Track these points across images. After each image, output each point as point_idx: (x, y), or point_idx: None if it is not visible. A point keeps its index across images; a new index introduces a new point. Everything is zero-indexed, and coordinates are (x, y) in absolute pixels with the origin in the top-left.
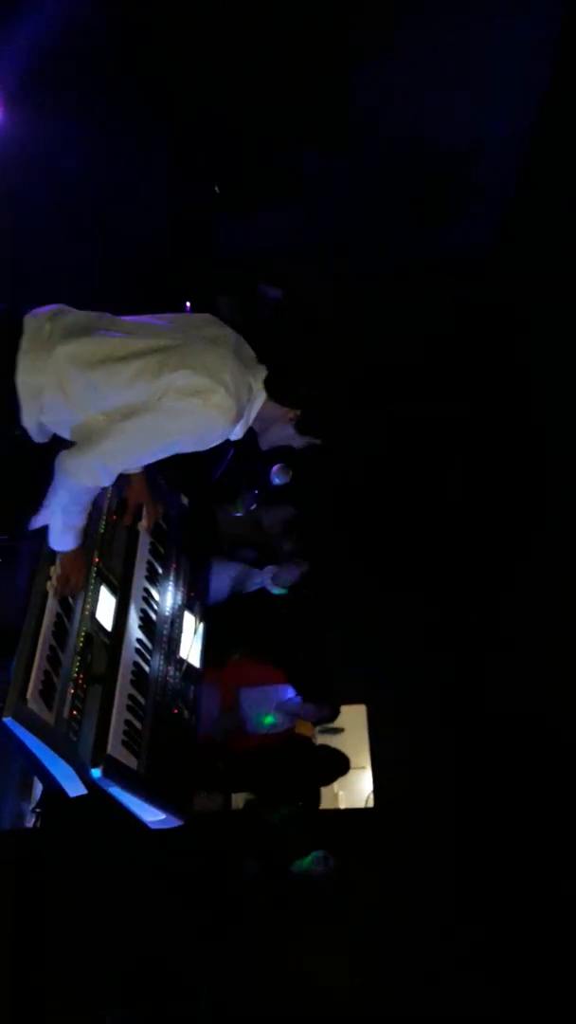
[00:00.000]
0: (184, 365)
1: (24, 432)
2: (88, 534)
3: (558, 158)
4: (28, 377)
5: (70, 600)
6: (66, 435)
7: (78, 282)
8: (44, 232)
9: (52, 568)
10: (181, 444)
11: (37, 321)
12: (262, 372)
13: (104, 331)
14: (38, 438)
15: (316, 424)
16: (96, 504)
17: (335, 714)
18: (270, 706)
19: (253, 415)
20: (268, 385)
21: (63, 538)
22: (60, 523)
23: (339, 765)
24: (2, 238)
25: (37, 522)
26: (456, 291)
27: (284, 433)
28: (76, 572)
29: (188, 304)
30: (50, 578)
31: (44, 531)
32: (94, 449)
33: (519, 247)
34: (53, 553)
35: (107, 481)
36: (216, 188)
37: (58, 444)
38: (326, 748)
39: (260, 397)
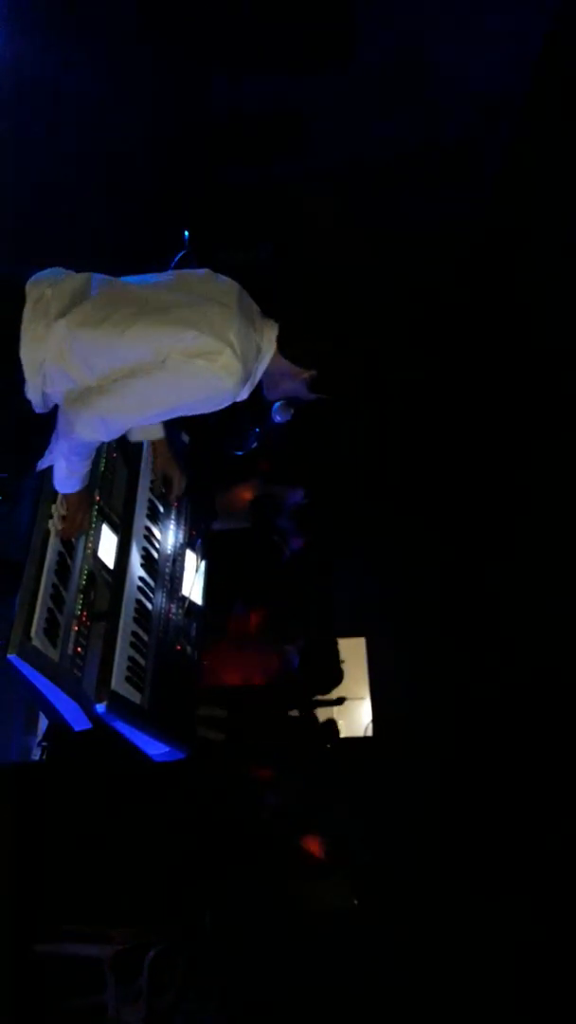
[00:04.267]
0: (188, 326)
1: (28, 403)
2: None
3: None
4: (30, 349)
5: (72, 539)
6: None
7: (75, 209)
8: (40, 157)
9: (53, 507)
10: (186, 406)
11: (38, 289)
12: (270, 328)
13: (102, 295)
14: (40, 409)
15: (331, 384)
16: None
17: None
18: None
19: (260, 374)
20: (281, 344)
21: (68, 482)
22: (64, 467)
23: (332, 678)
24: None
25: (42, 464)
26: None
27: (293, 388)
28: (81, 513)
29: (186, 233)
30: (51, 516)
31: (46, 471)
32: (95, 404)
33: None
34: (54, 493)
35: (107, 437)
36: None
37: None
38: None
39: (268, 354)
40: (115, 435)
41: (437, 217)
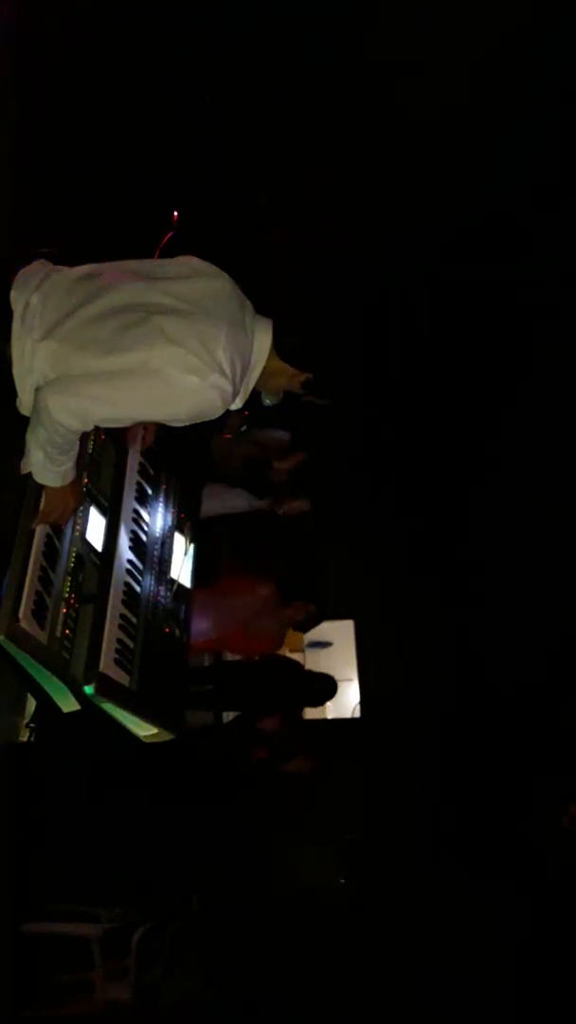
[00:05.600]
0: (177, 344)
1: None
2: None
3: None
4: (19, 368)
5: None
6: None
7: (63, 188)
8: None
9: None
10: (175, 415)
11: (23, 296)
12: (263, 330)
13: (88, 305)
14: (26, 412)
15: (327, 389)
16: None
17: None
18: None
19: (254, 381)
20: (278, 347)
21: (46, 473)
22: (41, 458)
23: (326, 689)
24: None
25: (25, 466)
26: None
27: (286, 385)
28: (59, 511)
29: (176, 214)
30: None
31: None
32: (81, 391)
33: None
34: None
35: (88, 427)
36: (207, 98)
37: None
38: (314, 674)
39: (261, 362)
40: (89, 427)
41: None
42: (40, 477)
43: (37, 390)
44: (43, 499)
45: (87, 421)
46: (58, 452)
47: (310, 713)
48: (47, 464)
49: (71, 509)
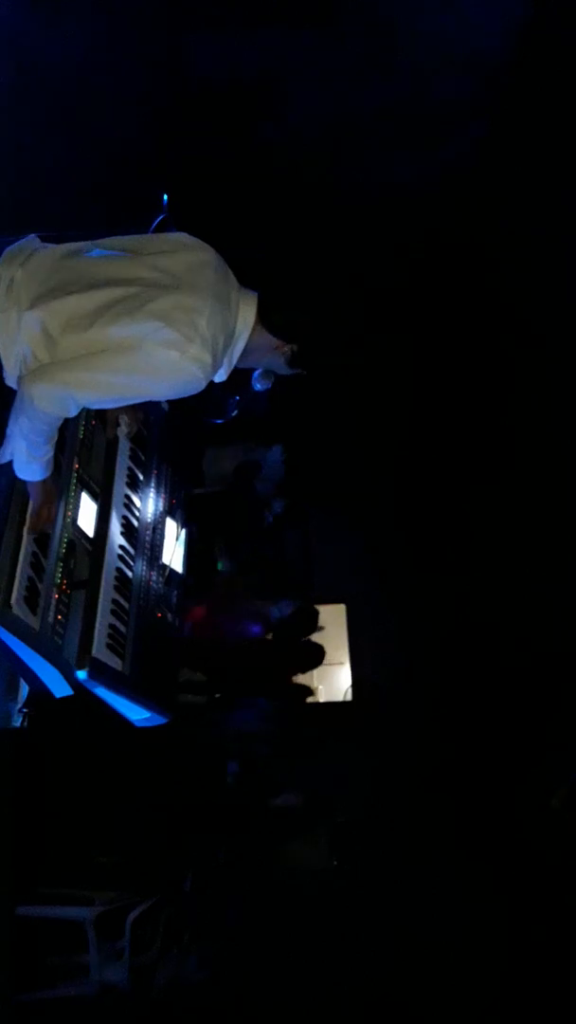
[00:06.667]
0: (158, 317)
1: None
2: (67, 441)
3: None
4: (3, 337)
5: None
6: None
7: (52, 173)
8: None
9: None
10: (158, 390)
11: (9, 271)
12: (248, 303)
13: (72, 280)
14: (11, 383)
15: (312, 361)
16: None
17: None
18: None
19: (237, 355)
20: (262, 315)
21: (28, 467)
22: (24, 450)
23: (314, 656)
24: None
25: (3, 456)
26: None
27: (271, 361)
28: (47, 507)
29: (166, 197)
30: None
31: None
32: (63, 376)
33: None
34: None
35: (72, 413)
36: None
37: None
38: (305, 642)
39: (245, 333)
40: (75, 412)
41: (421, 183)
42: (22, 472)
43: (19, 380)
44: (31, 502)
45: (68, 407)
46: (42, 440)
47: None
48: (30, 454)
49: (55, 508)
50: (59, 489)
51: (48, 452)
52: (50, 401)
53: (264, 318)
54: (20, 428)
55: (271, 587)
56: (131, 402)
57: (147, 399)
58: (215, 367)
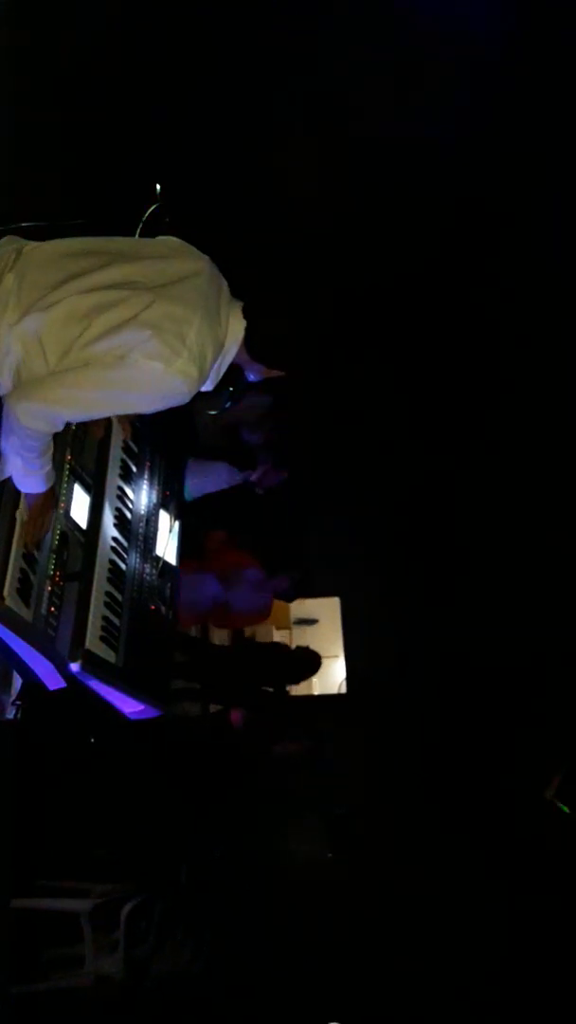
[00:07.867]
0: (147, 327)
1: None
2: (59, 433)
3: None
4: None
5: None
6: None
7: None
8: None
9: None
10: (141, 404)
11: None
12: (238, 314)
13: (62, 284)
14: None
15: (289, 399)
16: None
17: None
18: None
19: (226, 365)
20: (249, 344)
21: (27, 480)
22: (20, 466)
23: (309, 665)
24: None
25: (2, 473)
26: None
27: (259, 370)
28: (45, 517)
29: (158, 187)
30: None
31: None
32: (45, 394)
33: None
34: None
35: (60, 428)
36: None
37: None
38: (299, 649)
39: (236, 344)
40: (59, 427)
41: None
42: (23, 486)
43: (5, 398)
44: (27, 515)
45: (55, 423)
46: (36, 455)
47: (297, 690)
48: (27, 469)
49: (51, 520)
50: (56, 501)
51: (45, 465)
52: (35, 418)
53: (249, 343)
54: (11, 446)
55: (264, 550)
56: (118, 412)
57: (132, 412)
58: (202, 380)
